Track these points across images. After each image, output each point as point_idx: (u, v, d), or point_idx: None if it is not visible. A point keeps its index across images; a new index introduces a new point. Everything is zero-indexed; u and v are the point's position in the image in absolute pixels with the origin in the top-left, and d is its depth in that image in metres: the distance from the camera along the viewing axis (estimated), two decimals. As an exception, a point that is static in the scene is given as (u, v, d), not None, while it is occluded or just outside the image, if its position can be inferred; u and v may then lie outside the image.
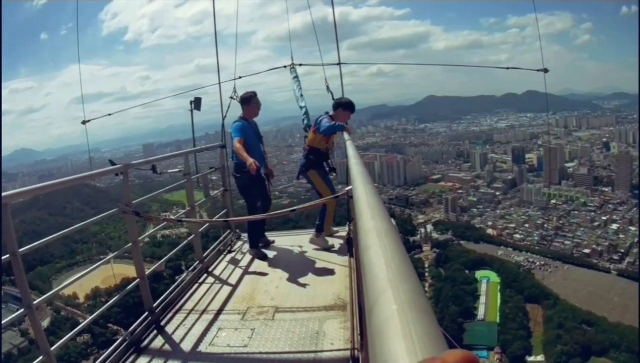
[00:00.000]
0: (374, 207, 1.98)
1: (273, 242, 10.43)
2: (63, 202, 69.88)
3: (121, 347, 5.83)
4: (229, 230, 11.13)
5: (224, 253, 10.16)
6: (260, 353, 5.62)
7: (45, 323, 45.40)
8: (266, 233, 10.56)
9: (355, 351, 5.34)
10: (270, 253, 9.76)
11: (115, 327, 45.24)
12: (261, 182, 10.01)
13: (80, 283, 41.34)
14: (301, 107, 11.10)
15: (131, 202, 6.72)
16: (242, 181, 9.84)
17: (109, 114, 14.01)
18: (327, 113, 10.08)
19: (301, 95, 11.29)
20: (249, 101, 9.96)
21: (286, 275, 8.33)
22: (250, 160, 9.13)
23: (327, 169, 10.04)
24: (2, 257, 4.53)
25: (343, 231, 10.23)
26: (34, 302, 4.81)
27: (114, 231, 62.66)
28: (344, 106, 9.96)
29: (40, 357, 4.75)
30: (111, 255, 8.29)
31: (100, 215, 6.71)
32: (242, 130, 9.65)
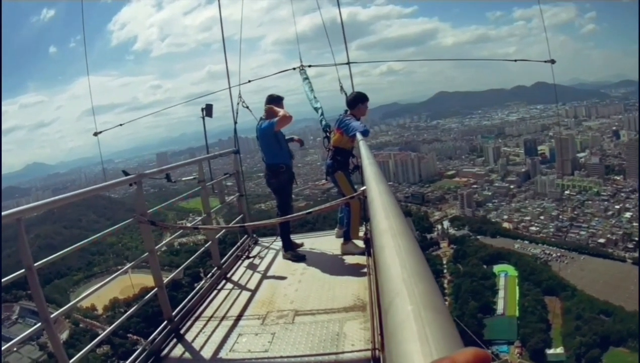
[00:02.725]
0: (388, 207, 1.96)
1: (302, 244, 10.39)
2: (78, 215, 70.08)
3: (141, 357, 5.83)
4: (246, 236, 11.15)
5: (242, 258, 10.17)
6: (281, 357, 5.60)
7: (64, 336, 45.62)
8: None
9: (376, 351, 5.30)
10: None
11: (135, 337, 45.37)
12: (292, 180, 10.17)
13: (98, 294, 41.39)
14: (316, 109, 11.08)
15: (146, 211, 6.72)
16: (277, 181, 9.95)
17: (121, 125, 14.04)
18: (346, 112, 10.09)
19: (314, 96, 11.27)
20: (280, 101, 10.05)
21: (305, 278, 8.33)
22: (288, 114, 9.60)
23: (351, 167, 10.01)
24: (19, 272, 4.52)
25: (361, 231, 10.14)
26: (52, 316, 4.79)
27: (131, 241, 62.84)
28: (362, 100, 10.00)
29: (59, 371, 4.74)
30: (128, 265, 8.27)
31: (115, 226, 6.73)
32: (272, 125, 9.70)
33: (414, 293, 1.05)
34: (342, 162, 9.78)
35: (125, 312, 6.80)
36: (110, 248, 64.93)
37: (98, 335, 6.44)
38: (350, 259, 9.01)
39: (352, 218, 9.60)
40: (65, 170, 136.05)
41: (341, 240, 9.82)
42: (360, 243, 9.60)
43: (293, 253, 9.72)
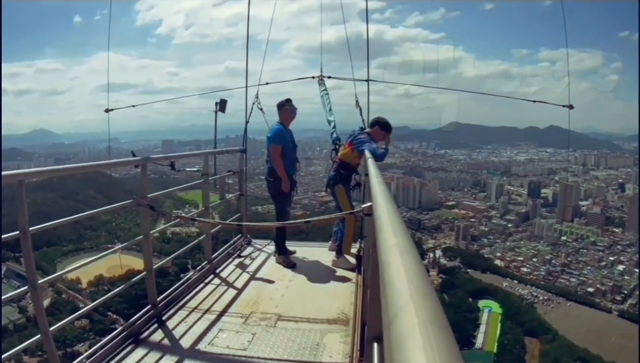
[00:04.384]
0: (396, 225, 2.01)
1: (294, 252, 10.42)
2: (76, 187, 70.00)
3: (120, 336, 5.87)
4: (240, 235, 11.19)
5: (233, 256, 10.22)
6: (258, 358, 5.63)
7: (45, 303, 45.39)
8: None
9: (354, 367, 5.33)
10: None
11: (114, 316, 45.47)
12: (293, 188, 10.16)
13: (84, 269, 41.38)
14: (329, 121, 11.16)
15: (147, 195, 6.75)
16: (275, 187, 9.92)
17: (133, 106, 14.07)
18: (361, 128, 10.20)
19: (330, 108, 11.33)
20: (282, 106, 10.06)
21: (292, 284, 8.37)
22: (286, 179, 9.64)
23: (353, 184, 10.03)
24: (13, 233, 4.55)
25: (353, 248, 10.17)
26: (39, 281, 4.84)
27: (125, 222, 63.05)
28: (382, 126, 9.98)
29: (39, 336, 4.78)
30: (120, 245, 8.31)
31: (114, 205, 6.78)
32: (279, 135, 9.81)
33: (421, 308, 1.09)
34: (345, 176, 9.80)
35: (109, 290, 6.88)
36: (103, 226, 64.91)
37: (79, 307, 6.49)
38: (339, 273, 9.04)
39: (345, 234, 9.64)
40: (70, 142, 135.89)
41: (333, 253, 9.87)
42: (352, 260, 9.63)
43: (285, 258, 9.75)
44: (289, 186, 9.77)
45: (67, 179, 63.08)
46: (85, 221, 51.32)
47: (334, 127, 11.02)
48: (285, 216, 10.18)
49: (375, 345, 2.72)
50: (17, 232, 4.58)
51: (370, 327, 3.29)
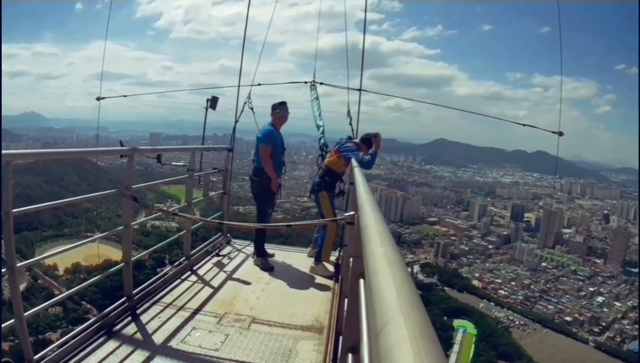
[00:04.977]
0: (384, 235, 2.00)
1: (273, 255, 10.38)
2: (61, 173, 69.86)
3: (93, 327, 5.79)
4: (220, 233, 11.17)
5: (212, 255, 10.18)
6: (230, 360, 5.57)
7: (21, 287, 44.99)
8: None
9: (325, 377, 5.30)
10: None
11: (88, 306, 45.14)
12: (276, 192, 10.07)
13: (62, 256, 41.18)
14: (318, 126, 11.20)
15: (131, 186, 6.70)
16: (259, 186, 9.89)
17: (125, 96, 14.09)
18: (349, 137, 10.32)
19: (319, 114, 11.34)
20: (274, 108, 10.05)
21: (269, 288, 8.32)
22: (275, 178, 9.65)
23: (337, 191, 10.02)
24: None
25: (332, 256, 10.12)
26: (17, 265, 4.77)
27: (106, 211, 62.97)
28: (370, 143, 9.94)
29: (12, 320, 4.71)
30: (100, 235, 8.21)
31: (97, 193, 6.75)
32: (270, 136, 9.78)
33: (410, 319, 1.08)
34: (330, 183, 9.78)
35: (85, 278, 6.81)
36: (84, 214, 64.83)
37: (54, 294, 6.40)
38: (317, 280, 8.99)
39: (326, 241, 9.58)
40: (60, 127, 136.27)
41: (312, 259, 9.84)
42: (330, 267, 9.60)
43: (263, 260, 9.70)
44: (277, 185, 9.76)
45: (53, 163, 63.37)
46: (67, 207, 51.24)
47: (323, 133, 11.05)
48: (267, 218, 10.17)
49: (351, 355, 2.70)
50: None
51: (346, 337, 3.26)
